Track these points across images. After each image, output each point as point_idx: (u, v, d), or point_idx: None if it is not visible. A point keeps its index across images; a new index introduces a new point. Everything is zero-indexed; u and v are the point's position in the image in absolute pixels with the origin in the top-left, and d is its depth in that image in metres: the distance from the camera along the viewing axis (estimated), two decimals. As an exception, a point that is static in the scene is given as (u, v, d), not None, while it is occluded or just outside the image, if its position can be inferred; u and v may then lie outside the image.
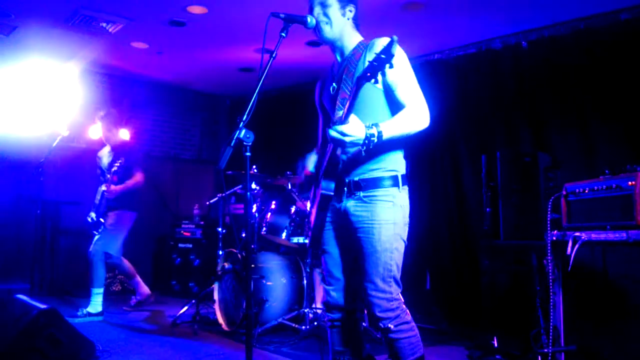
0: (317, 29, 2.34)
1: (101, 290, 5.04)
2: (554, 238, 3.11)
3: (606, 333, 2.82)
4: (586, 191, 3.02)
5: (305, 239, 4.77)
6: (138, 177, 5.14)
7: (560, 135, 4.58)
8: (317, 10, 2.32)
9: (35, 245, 5.60)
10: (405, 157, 2.38)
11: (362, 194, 2.26)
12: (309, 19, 2.30)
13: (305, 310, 4.36)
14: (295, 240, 4.61)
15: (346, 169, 2.29)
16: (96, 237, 5.16)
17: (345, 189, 2.29)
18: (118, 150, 5.20)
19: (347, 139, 2.03)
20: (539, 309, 3.31)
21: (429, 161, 5.47)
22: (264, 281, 4.39)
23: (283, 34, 2.23)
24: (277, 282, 4.48)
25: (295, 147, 6.99)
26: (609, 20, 4.40)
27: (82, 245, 6.61)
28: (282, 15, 2.23)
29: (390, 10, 4.71)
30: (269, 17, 2.20)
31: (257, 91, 2.12)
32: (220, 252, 4.81)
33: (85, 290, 6.22)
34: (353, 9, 2.38)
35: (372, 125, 2.06)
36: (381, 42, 2.23)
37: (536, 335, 3.28)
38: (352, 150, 2.13)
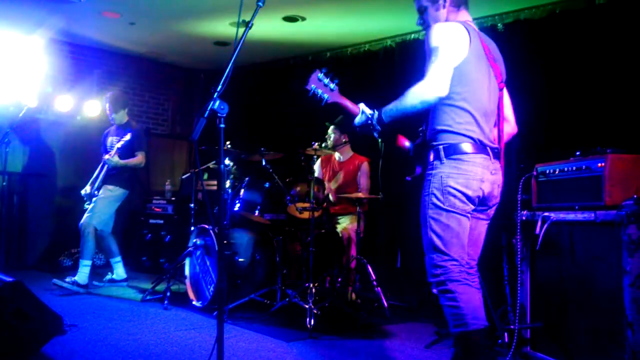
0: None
1: (89, 262, 5.08)
2: (524, 218, 3.16)
3: (572, 310, 2.89)
4: (556, 172, 3.07)
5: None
6: (140, 158, 5.29)
7: (532, 117, 4.62)
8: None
9: (1, 218, 5.46)
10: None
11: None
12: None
13: (277, 287, 4.37)
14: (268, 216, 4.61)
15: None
16: (88, 209, 5.19)
17: None
18: (123, 130, 5.30)
19: (358, 128, 2.45)
20: (507, 286, 3.38)
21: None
22: (236, 257, 4.38)
23: (260, 3, 2.19)
24: (249, 258, 4.47)
25: (270, 123, 7.00)
26: (584, 4, 4.44)
27: (51, 219, 6.51)
28: (259, -17, 2.19)
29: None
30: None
31: (232, 60, 2.08)
32: (192, 228, 4.77)
33: (54, 265, 6.15)
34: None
35: (376, 110, 2.37)
36: None
37: (503, 312, 3.35)
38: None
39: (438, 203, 2.30)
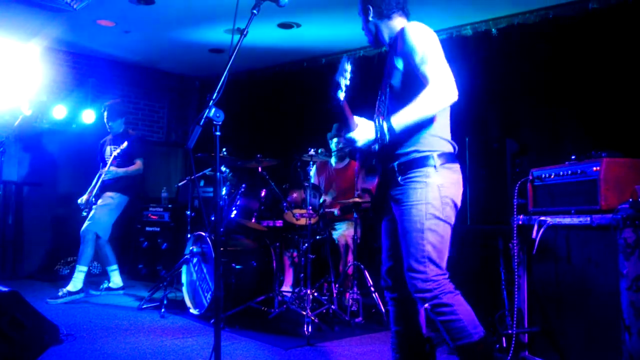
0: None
1: (85, 269, 5.09)
2: (520, 222, 3.16)
3: (569, 315, 2.90)
4: (552, 176, 3.08)
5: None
6: (138, 164, 5.33)
7: (527, 122, 4.65)
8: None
9: (-4, 227, 5.45)
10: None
11: (399, 178, 2.29)
12: (281, -4, 2.26)
13: (274, 294, 4.36)
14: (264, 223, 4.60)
15: (385, 157, 2.35)
16: (89, 217, 5.20)
17: (389, 176, 2.35)
18: (121, 139, 5.34)
19: (358, 143, 2.20)
20: (504, 291, 3.38)
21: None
22: (233, 264, 4.37)
23: (255, 11, 2.19)
24: (246, 265, 4.46)
25: (266, 130, 7.00)
26: (577, 9, 4.47)
27: (47, 228, 6.49)
28: (253, -8, 2.19)
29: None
30: (240, -8, 2.15)
31: (227, 68, 2.08)
32: (189, 236, 4.76)
33: (50, 274, 6.13)
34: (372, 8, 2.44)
35: (383, 121, 2.17)
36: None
37: (501, 317, 3.35)
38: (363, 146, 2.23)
39: (437, 213, 2.22)
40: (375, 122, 2.19)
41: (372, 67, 5.97)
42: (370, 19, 2.44)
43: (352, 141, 2.22)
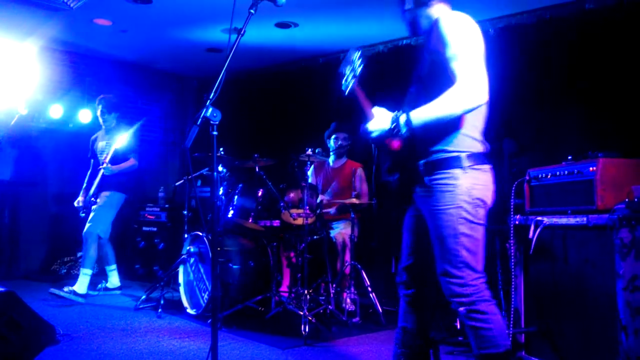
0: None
1: (90, 272, 5.06)
2: (517, 222, 3.17)
3: (565, 315, 2.90)
4: (549, 176, 3.08)
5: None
6: (132, 161, 5.32)
7: (525, 122, 4.66)
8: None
9: (-8, 228, 5.44)
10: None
11: (426, 178, 2.21)
12: (279, -4, 2.25)
13: (272, 294, 4.36)
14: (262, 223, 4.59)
15: (412, 154, 2.24)
16: (89, 219, 5.18)
17: (414, 174, 2.27)
18: (112, 134, 5.33)
19: (372, 134, 2.14)
20: (501, 291, 3.39)
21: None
22: (230, 264, 4.36)
23: (252, 11, 2.18)
24: (243, 265, 4.46)
25: (263, 129, 6.99)
26: (574, 9, 4.48)
27: (43, 227, 6.47)
28: (251, -9, 2.18)
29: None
30: (238, -8, 2.15)
31: (225, 67, 2.07)
32: (186, 236, 4.76)
33: (47, 274, 6.11)
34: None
35: (402, 113, 2.08)
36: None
37: (498, 317, 3.35)
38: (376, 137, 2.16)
39: (470, 217, 2.13)
40: (393, 113, 2.12)
41: (370, 67, 5.98)
42: (407, 8, 2.32)
43: (366, 133, 2.16)
